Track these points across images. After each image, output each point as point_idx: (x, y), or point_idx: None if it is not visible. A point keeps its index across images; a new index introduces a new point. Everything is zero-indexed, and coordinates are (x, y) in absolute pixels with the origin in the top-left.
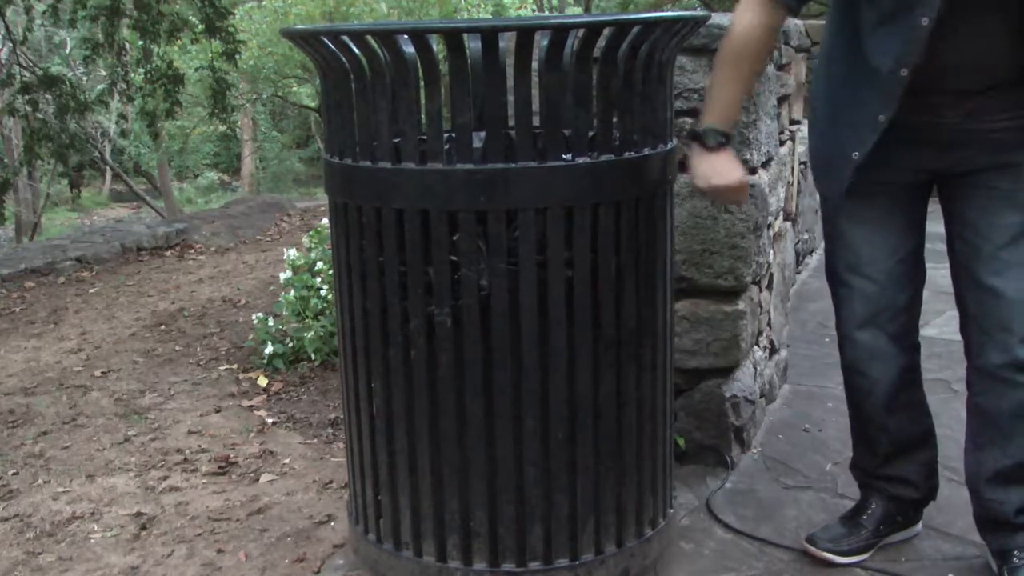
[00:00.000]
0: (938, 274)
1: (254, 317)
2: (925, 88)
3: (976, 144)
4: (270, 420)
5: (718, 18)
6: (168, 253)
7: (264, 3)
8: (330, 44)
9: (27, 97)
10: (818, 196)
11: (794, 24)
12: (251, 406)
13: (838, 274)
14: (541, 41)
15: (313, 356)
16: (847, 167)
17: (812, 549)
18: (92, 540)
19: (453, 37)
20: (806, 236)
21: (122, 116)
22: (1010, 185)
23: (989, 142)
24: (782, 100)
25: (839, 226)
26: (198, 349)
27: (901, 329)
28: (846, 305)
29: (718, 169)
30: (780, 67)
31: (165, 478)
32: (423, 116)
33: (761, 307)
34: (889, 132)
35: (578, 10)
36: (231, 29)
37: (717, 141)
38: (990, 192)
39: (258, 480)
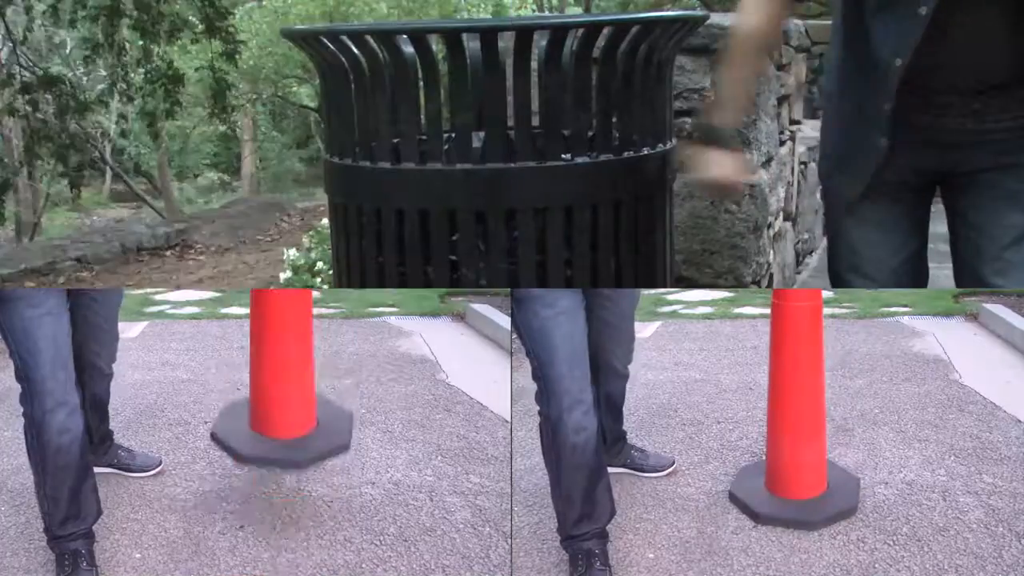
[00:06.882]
0: (941, 274)
1: None
2: (928, 88)
3: (979, 145)
4: None
5: (717, 18)
6: (168, 253)
7: (264, 3)
8: (330, 44)
9: (27, 97)
10: (819, 195)
11: (794, 24)
12: None
13: (840, 275)
14: (540, 41)
15: None
16: (873, 157)
17: None
18: None
19: (452, 37)
20: (806, 236)
21: (122, 116)
22: (1014, 185)
23: (992, 143)
24: (782, 100)
25: (842, 226)
26: None
27: None
28: None
29: None
30: (780, 67)
31: None
32: (423, 116)
33: None
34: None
35: (578, 10)
36: (231, 29)
37: None
38: (994, 192)
39: None
